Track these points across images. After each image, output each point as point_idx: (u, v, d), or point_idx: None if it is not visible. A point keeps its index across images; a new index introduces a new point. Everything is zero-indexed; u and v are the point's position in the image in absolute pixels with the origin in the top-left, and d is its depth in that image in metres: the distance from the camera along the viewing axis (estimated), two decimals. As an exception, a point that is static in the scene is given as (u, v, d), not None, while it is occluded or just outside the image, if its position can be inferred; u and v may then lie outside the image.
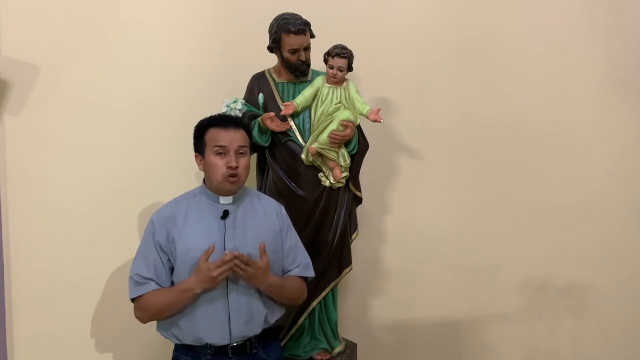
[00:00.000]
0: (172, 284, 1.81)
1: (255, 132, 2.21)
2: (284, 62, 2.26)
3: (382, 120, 2.22)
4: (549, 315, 2.94)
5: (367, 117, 2.22)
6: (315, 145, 2.18)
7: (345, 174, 2.26)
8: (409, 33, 2.77)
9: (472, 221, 2.87)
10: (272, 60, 2.33)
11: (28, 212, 2.46)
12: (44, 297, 2.47)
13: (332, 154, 2.21)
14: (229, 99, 2.22)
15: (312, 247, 2.23)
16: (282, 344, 2.29)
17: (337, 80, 2.23)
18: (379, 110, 2.20)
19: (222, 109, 2.17)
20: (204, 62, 2.59)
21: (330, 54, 2.21)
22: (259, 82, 2.33)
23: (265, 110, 2.26)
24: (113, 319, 2.50)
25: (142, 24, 2.54)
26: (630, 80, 2.93)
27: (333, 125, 2.19)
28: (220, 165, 1.78)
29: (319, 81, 2.26)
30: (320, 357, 2.30)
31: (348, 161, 2.26)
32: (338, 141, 2.19)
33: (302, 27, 2.19)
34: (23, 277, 2.47)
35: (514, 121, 2.87)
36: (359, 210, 2.49)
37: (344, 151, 2.25)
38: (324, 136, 2.19)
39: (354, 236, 2.44)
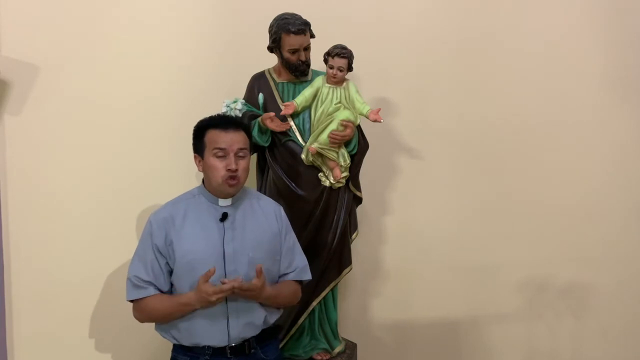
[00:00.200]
0: (172, 285, 1.81)
1: (255, 132, 2.21)
2: (284, 62, 2.26)
3: (382, 120, 2.22)
4: (549, 315, 2.94)
5: (367, 117, 2.22)
6: (315, 145, 2.18)
7: (345, 174, 2.26)
8: (409, 33, 2.77)
9: (472, 221, 2.87)
10: (272, 60, 2.33)
11: (28, 212, 2.46)
12: (44, 297, 2.47)
13: (332, 154, 2.21)
14: (229, 99, 2.22)
15: (312, 247, 2.23)
16: (282, 344, 2.30)
17: (337, 80, 2.23)
18: (379, 110, 2.20)
19: (222, 109, 2.17)
20: (204, 62, 2.59)
21: (330, 54, 2.21)
22: (259, 82, 2.33)
23: (265, 110, 2.25)
24: (113, 319, 2.50)
25: (142, 24, 2.53)
26: (630, 80, 2.93)
27: (333, 125, 2.19)
28: (219, 167, 1.77)
29: (319, 81, 2.26)
30: (320, 357, 2.30)
31: (348, 161, 2.26)
32: (338, 141, 2.19)
33: (302, 27, 2.19)
34: (23, 277, 2.47)
35: (513, 121, 2.87)
36: (359, 210, 2.49)
37: (344, 151, 2.25)
38: (324, 136, 2.19)
39: (354, 236, 2.44)
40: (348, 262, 2.39)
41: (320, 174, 2.26)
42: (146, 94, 2.53)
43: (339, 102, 2.23)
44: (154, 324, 1.85)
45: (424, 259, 2.87)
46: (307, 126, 2.26)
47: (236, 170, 1.77)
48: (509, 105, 2.87)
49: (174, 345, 1.85)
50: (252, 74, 2.36)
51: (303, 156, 2.24)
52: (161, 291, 1.79)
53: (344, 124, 2.19)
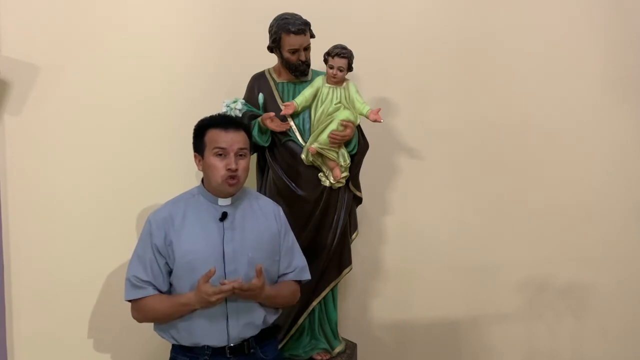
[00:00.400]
0: (171, 285, 1.80)
1: (255, 132, 2.21)
2: (284, 62, 2.26)
3: (382, 120, 2.22)
4: (549, 315, 2.94)
5: (367, 117, 2.22)
6: (315, 145, 2.18)
7: (345, 174, 2.26)
8: (409, 33, 2.77)
9: (472, 221, 2.88)
10: (272, 60, 2.33)
11: (28, 212, 2.46)
12: (44, 297, 2.47)
13: (332, 154, 2.21)
14: (229, 99, 2.22)
15: (312, 247, 2.23)
16: (282, 344, 2.30)
17: (337, 80, 2.23)
18: (379, 110, 2.20)
19: (222, 109, 2.17)
20: (204, 62, 2.59)
21: (330, 54, 2.21)
22: (259, 82, 2.33)
23: (265, 110, 2.25)
24: (112, 318, 2.49)
25: (142, 24, 2.53)
26: (630, 80, 2.93)
27: (333, 125, 2.19)
28: (219, 167, 1.77)
29: (319, 81, 2.26)
30: (320, 357, 2.30)
31: (348, 161, 2.26)
32: (338, 141, 2.19)
33: (302, 27, 2.19)
34: (23, 277, 2.46)
35: (514, 121, 2.87)
36: (359, 210, 2.49)
37: (344, 151, 2.25)
38: (324, 136, 2.19)
39: (354, 236, 2.44)
40: (348, 262, 2.39)
41: (320, 174, 2.26)
42: (146, 94, 2.53)
43: (339, 102, 2.23)
44: (153, 324, 1.85)
45: (424, 259, 2.87)
46: (307, 126, 2.26)
47: (236, 169, 1.77)
48: (509, 105, 2.87)
49: (173, 345, 1.85)
50: (252, 74, 2.36)
51: (303, 156, 2.24)
52: (160, 291, 1.78)
53: (344, 124, 2.19)
